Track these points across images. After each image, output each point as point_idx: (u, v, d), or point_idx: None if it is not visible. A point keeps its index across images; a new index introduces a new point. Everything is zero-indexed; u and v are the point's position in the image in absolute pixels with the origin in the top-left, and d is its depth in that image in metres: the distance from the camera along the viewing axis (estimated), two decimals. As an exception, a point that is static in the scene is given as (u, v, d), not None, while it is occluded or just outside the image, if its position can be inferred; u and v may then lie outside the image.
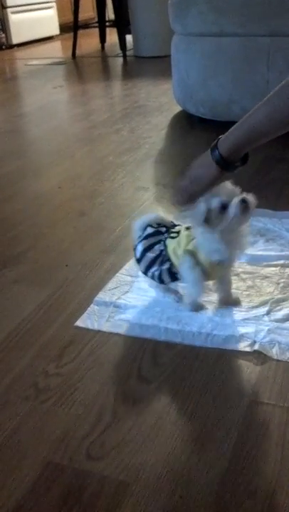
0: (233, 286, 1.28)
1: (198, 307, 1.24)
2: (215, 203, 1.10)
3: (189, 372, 1.06)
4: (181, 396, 1.01)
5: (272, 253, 1.43)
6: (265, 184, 1.86)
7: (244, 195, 1.11)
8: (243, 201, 1.10)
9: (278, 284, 1.31)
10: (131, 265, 1.42)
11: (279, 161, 2.05)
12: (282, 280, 1.32)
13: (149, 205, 1.82)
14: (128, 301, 1.28)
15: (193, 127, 2.67)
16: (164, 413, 0.97)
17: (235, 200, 1.09)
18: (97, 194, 1.95)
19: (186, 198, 1.13)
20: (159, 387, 1.03)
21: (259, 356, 1.09)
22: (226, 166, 1.07)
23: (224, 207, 1.10)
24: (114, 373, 1.08)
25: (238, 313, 1.21)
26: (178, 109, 2.91)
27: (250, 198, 1.11)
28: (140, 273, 1.31)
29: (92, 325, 1.22)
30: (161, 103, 3.18)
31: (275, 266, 1.38)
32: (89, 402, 1.00)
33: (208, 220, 1.10)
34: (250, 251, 1.42)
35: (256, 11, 2.26)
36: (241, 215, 1.10)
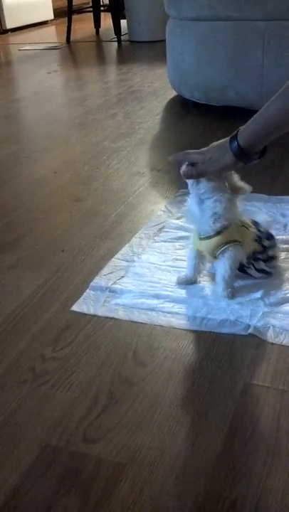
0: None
1: (184, 281, 1.28)
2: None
3: (185, 356, 1.07)
4: (177, 379, 1.02)
5: (268, 238, 1.44)
6: (261, 169, 1.86)
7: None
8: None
9: (273, 268, 1.31)
10: (126, 250, 1.43)
11: (274, 146, 2.04)
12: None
13: (144, 190, 1.82)
14: (124, 286, 1.28)
15: (188, 112, 2.66)
16: (159, 396, 0.98)
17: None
18: (93, 179, 1.95)
19: (195, 175, 1.15)
20: (155, 371, 1.04)
21: (254, 339, 1.10)
22: (243, 157, 1.08)
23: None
24: (110, 357, 1.08)
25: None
26: (173, 93, 2.90)
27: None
28: (136, 258, 1.38)
29: (88, 310, 1.22)
30: (156, 88, 3.16)
31: (270, 250, 1.38)
32: (85, 386, 1.01)
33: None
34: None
35: (251, -6, 2.24)
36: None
